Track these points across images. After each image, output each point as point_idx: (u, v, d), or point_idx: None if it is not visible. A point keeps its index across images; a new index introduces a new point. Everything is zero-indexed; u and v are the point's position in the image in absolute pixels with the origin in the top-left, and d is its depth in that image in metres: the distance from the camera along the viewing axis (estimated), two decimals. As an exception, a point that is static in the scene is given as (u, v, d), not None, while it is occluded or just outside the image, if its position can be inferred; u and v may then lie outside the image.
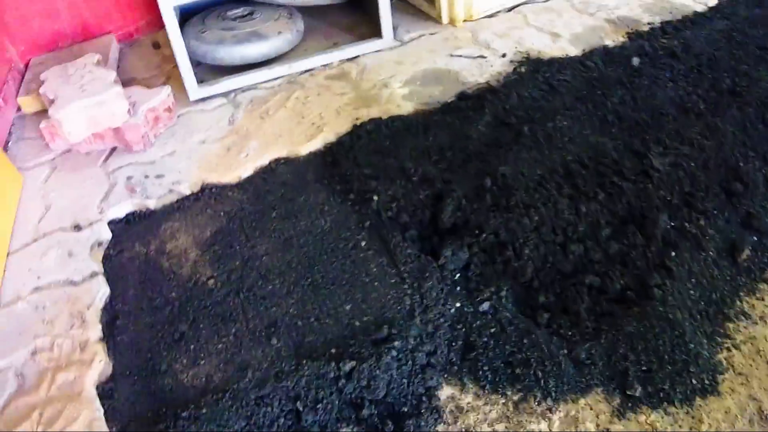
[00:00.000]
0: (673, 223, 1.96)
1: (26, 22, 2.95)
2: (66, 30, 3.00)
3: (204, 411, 1.65)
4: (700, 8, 2.93)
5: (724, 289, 1.86)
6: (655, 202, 2.00)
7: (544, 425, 1.64)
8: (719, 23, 2.78)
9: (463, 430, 1.65)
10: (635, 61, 2.54)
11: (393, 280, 1.92)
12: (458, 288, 1.92)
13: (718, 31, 2.71)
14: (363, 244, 2.04)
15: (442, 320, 1.82)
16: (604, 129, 2.27)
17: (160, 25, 3.10)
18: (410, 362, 1.74)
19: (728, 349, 1.74)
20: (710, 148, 2.15)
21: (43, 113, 2.63)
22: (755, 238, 1.95)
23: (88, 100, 2.30)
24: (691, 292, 1.83)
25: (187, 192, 2.30)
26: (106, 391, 1.74)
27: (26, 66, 2.95)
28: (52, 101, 2.34)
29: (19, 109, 2.78)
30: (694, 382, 1.67)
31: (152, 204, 2.28)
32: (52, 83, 2.43)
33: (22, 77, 2.89)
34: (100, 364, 1.79)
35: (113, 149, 2.49)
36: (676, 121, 2.28)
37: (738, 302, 1.84)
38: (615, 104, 2.36)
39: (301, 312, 1.87)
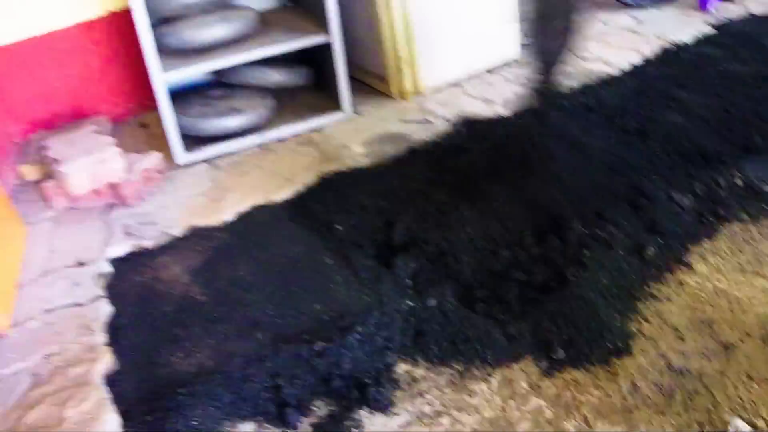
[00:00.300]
0: (586, 231, 2.37)
1: (28, 103, 3.41)
2: (63, 111, 3.45)
3: (198, 388, 1.96)
4: (615, 72, 3.46)
5: (633, 278, 2.22)
6: (570, 215, 2.41)
7: (484, 386, 1.97)
8: (630, 82, 3.30)
9: (417, 393, 1.98)
10: (554, 116, 3.02)
11: (354, 286, 2.28)
12: (410, 291, 2.27)
13: (628, 88, 3.22)
14: (328, 261, 2.41)
15: (396, 314, 2.16)
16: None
17: (146, 107, 3.57)
18: (370, 344, 2.07)
19: (638, 322, 2.08)
20: (618, 173, 2.59)
21: (41, 181, 3.00)
22: (660, 240, 2.35)
23: (91, 157, 2.72)
24: (604, 280, 2.19)
25: (178, 234, 2.68)
26: (112, 381, 2.05)
27: (26, 141, 3.37)
28: (57, 161, 2.74)
29: (18, 177, 3.17)
30: (609, 345, 2.00)
31: (147, 244, 2.64)
32: (56, 147, 2.84)
33: (21, 150, 3.31)
34: (107, 361, 2.10)
35: (110, 205, 2.87)
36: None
37: (646, 288, 2.19)
38: (527, 147, 2.80)
39: (279, 313, 2.22)
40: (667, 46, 3.64)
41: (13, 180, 3.14)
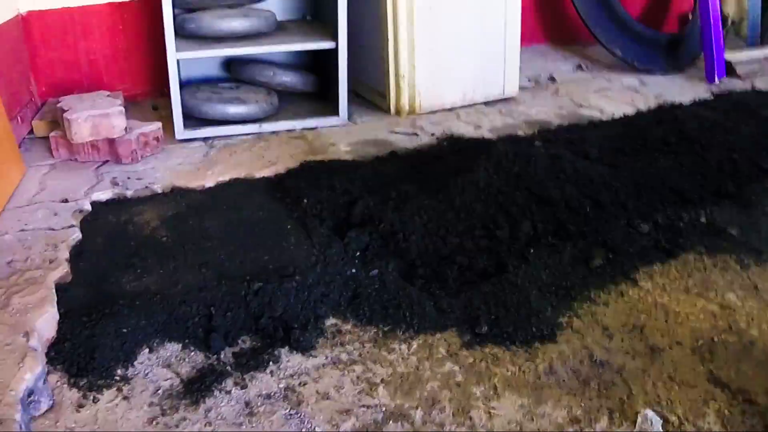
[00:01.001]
0: (535, 231, 2.48)
1: (51, 68, 3.71)
2: (83, 81, 3.72)
3: (137, 303, 2.09)
4: (605, 118, 3.64)
5: (576, 281, 2.27)
6: (523, 216, 2.53)
7: (404, 347, 2.05)
8: (618, 127, 3.46)
9: (339, 343, 2.07)
10: (537, 143, 3.16)
11: (305, 247, 2.42)
12: (356, 261, 2.39)
13: (614, 131, 3.37)
14: (288, 227, 2.56)
15: (338, 277, 2.27)
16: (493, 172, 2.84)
17: (160, 93, 3.82)
18: (306, 294, 2.18)
19: (569, 317, 2.14)
20: (582, 193, 2.70)
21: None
22: (609, 255, 2.41)
23: (95, 111, 2.94)
24: (543, 277, 2.27)
25: (159, 190, 2.86)
26: (62, 286, 2.19)
27: (43, 103, 3.65)
28: (65, 110, 2.97)
29: (30, 132, 3.41)
30: (534, 330, 2.06)
31: (129, 194, 2.83)
32: (68, 101, 3.08)
33: (38, 110, 3.58)
34: (62, 271, 2.24)
35: (105, 162, 3.08)
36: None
37: (586, 292, 2.24)
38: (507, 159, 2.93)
39: (228, 257, 2.36)
40: (663, 103, 3.80)
41: (26, 133, 3.38)
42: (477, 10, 3.64)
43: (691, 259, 2.44)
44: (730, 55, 4.40)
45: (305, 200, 2.68)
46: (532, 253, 2.38)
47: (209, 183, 2.91)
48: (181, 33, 3.32)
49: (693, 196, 2.75)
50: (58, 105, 3.09)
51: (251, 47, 3.36)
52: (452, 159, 3.02)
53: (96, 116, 2.95)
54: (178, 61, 3.25)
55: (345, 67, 3.43)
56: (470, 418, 1.78)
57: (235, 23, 3.35)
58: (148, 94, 3.92)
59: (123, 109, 3.03)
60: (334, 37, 3.40)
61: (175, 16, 3.26)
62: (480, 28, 3.67)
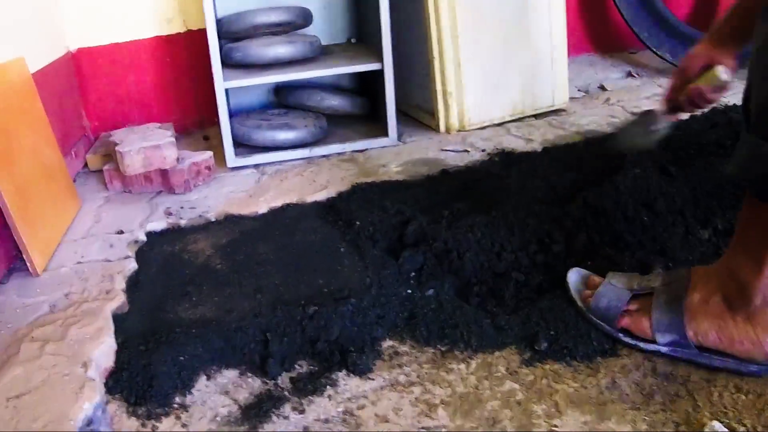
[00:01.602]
0: (591, 243, 2.42)
1: (102, 103, 3.80)
2: (133, 114, 3.81)
3: (193, 330, 2.10)
4: None
5: None
6: (583, 228, 2.47)
7: (463, 367, 2.01)
8: (674, 133, 3.29)
9: (396, 365, 2.04)
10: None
11: (359, 269, 2.40)
12: (411, 281, 2.37)
13: (671, 137, 3.21)
14: (341, 249, 2.54)
15: (393, 298, 2.25)
16: (536, 187, 2.79)
17: (211, 123, 3.88)
18: (362, 317, 2.15)
19: None
20: (637, 201, 2.63)
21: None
22: (670, 265, 2.35)
23: (146, 143, 2.99)
24: None
25: (213, 218, 2.89)
26: (119, 316, 2.21)
27: (96, 137, 3.74)
28: (117, 143, 3.03)
29: (85, 166, 3.50)
30: (595, 344, 2.00)
31: (183, 223, 2.86)
32: (119, 134, 3.15)
33: (91, 144, 3.66)
34: (119, 301, 2.27)
35: (159, 192, 3.12)
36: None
37: None
38: (557, 168, 2.89)
39: (283, 282, 2.35)
40: (716, 105, 3.69)
41: (80, 167, 3.47)
42: (520, 23, 3.62)
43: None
44: (785, 55, 4.27)
45: (357, 222, 2.67)
46: (589, 266, 2.32)
47: (262, 209, 2.93)
48: (227, 62, 3.38)
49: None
50: (111, 139, 3.17)
51: (298, 73, 3.39)
52: (504, 174, 2.98)
53: (148, 148, 3.01)
54: (226, 90, 3.30)
55: (392, 88, 3.43)
56: (533, 438, 1.73)
57: (281, 50, 3.39)
58: (198, 124, 3.99)
59: (174, 140, 3.08)
60: (379, 58, 3.41)
61: (221, 47, 3.31)
62: (525, 41, 3.65)
